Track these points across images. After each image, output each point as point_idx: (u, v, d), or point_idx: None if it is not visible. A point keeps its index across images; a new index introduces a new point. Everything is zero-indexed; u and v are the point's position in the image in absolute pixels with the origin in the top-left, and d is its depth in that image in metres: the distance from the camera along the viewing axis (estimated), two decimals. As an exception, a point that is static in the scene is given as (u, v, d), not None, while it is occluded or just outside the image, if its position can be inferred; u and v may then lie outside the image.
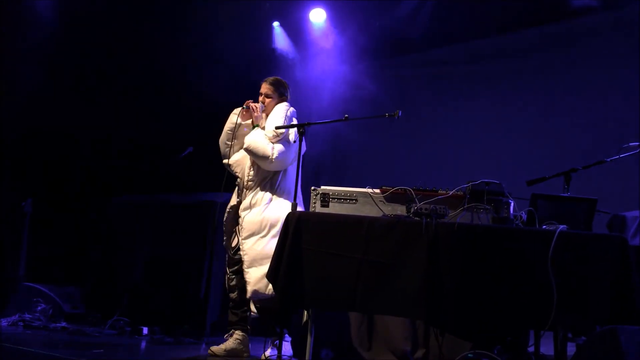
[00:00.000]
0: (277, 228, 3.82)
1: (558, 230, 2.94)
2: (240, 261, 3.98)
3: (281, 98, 4.27)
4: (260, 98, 4.26)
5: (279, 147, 3.99)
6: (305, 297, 3.07)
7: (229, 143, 4.23)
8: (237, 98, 6.83)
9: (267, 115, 4.19)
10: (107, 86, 6.85)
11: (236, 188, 4.25)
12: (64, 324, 4.97)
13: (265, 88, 4.28)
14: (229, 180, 4.20)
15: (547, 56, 6.35)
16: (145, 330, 4.94)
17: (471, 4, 6.44)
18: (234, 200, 4.20)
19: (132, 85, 6.87)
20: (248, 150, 4.07)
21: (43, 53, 6.45)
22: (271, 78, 4.34)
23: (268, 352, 3.82)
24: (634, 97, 5.83)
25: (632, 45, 5.79)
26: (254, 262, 3.89)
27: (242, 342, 3.98)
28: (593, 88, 6.10)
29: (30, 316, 5.04)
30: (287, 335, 3.96)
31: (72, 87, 6.71)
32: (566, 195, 3.57)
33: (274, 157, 3.97)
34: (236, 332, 4.00)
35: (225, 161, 4.28)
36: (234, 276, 4.07)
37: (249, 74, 7.15)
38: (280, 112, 4.12)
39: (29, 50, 6.36)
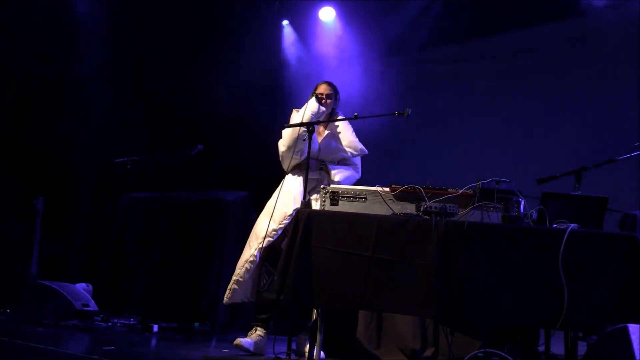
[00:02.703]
0: None
1: (569, 229, 2.93)
2: None
3: (336, 101, 4.25)
4: (322, 97, 4.17)
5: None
6: (315, 295, 3.08)
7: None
8: (246, 96, 6.87)
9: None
10: (117, 85, 6.88)
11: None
12: (75, 321, 5.00)
13: (327, 89, 4.20)
14: None
15: (558, 54, 6.32)
16: (155, 327, 4.97)
17: (480, 2, 6.43)
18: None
19: (141, 84, 6.89)
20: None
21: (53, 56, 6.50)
22: (330, 82, 4.28)
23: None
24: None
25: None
26: None
27: (264, 339, 3.98)
28: (604, 86, 6.07)
29: (42, 313, 5.08)
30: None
31: (83, 86, 6.75)
32: (577, 193, 3.56)
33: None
34: (259, 329, 3.99)
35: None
36: None
37: (258, 72, 7.18)
38: (351, 129, 4.23)
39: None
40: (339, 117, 4.15)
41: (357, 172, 4.22)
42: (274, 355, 3.57)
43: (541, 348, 3.57)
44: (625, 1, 5.94)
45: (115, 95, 6.89)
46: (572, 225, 2.97)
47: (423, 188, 3.23)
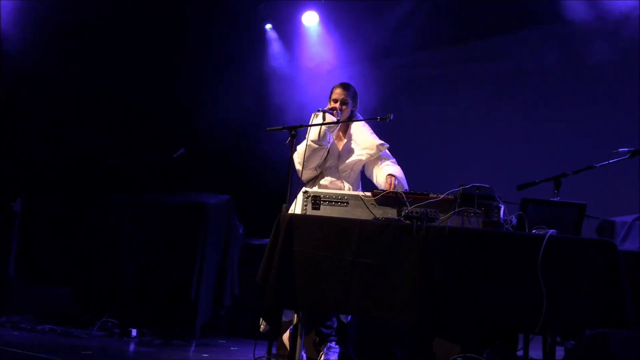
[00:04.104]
0: None
1: (548, 234, 2.96)
2: None
3: (354, 103, 4.04)
4: (336, 105, 3.95)
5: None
6: (297, 299, 3.07)
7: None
8: (230, 100, 6.84)
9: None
10: (100, 87, 6.82)
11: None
12: (52, 325, 4.93)
13: (341, 94, 3.98)
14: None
15: (539, 60, 6.40)
16: (134, 332, 4.91)
17: (464, 8, 6.48)
18: None
19: (124, 86, 6.84)
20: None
21: (43, 50, 6.44)
22: (346, 83, 4.06)
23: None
24: (623, 103, 5.89)
25: (622, 51, 5.85)
26: None
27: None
28: (584, 93, 6.15)
29: (18, 317, 5.00)
30: (334, 344, 3.82)
31: (69, 85, 6.68)
32: (556, 200, 3.59)
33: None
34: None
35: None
36: None
37: (241, 75, 7.17)
38: (365, 129, 4.03)
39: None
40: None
41: (396, 162, 4.02)
42: (253, 359, 3.55)
43: (520, 353, 3.60)
44: (609, 9, 6.02)
45: (101, 99, 6.84)
46: (551, 230, 3.00)
47: (404, 193, 3.25)
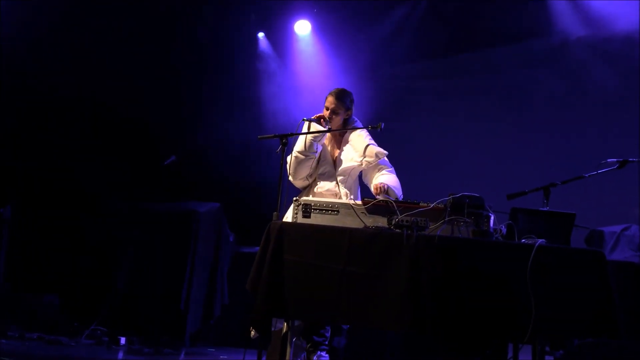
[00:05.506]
0: None
1: (537, 244, 2.97)
2: None
3: (347, 112, 3.98)
4: (326, 113, 3.91)
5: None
6: (287, 308, 3.07)
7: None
8: (221, 107, 6.84)
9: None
10: (90, 91, 6.80)
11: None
12: (40, 333, 4.89)
13: (332, 103, 3.91)
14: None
15: (529, 72, 6.45)
16: (123, 340, 4.89)
17: (454, 19, 6.53)
18: None
19: (113, 91, 6.83)
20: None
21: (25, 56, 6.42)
22: (340, 92, 3.98)
23: None
24: (613, 113, 5.94)
25: (610, 63, 5.91)
26: None
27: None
28: (574, 104, 6.21)
29: (6, 325, 4.96)
30: (325, 354, 3.79)
31: (56, 92, 6.66)
32: (545, 209, 3.61)
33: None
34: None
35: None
36: None
37: (233, 83, 7.18)
38: (364, 135, 3.94)
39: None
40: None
41: (393, 171, 3.95)
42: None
43: (509, 362, 3.61)
44: (602, 24, 6.08)
45: (91, 106, 6.82)
46: (540, 240, 3.01)
47: (395, 202, 3.25)
